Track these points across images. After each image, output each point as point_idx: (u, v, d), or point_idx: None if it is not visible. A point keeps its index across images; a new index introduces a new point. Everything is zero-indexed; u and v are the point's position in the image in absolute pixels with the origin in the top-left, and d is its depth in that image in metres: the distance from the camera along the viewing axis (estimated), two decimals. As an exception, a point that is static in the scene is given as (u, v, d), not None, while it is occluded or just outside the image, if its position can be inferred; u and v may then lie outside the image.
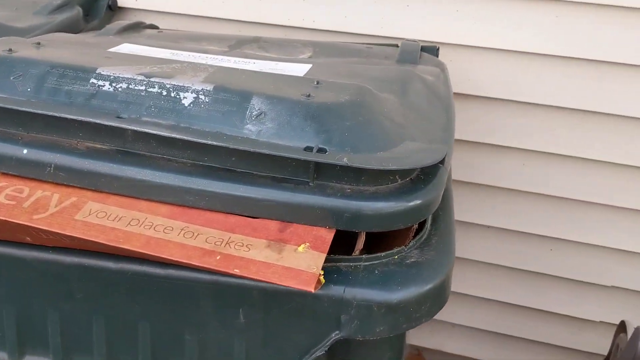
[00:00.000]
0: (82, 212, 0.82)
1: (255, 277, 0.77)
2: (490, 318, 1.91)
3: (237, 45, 1.34)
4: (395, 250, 0.86)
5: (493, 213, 1.76)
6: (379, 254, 0.85)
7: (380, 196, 0.82)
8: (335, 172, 0.82)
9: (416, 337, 2.01)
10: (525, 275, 1.82)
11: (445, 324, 1.96)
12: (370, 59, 1.23)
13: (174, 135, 0.79)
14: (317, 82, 0.93)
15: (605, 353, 1.57)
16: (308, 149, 0.81)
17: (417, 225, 0.91)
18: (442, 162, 0.89)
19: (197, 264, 0.77)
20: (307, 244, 0.81)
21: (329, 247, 0.81)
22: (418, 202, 0.83)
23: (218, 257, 0.78)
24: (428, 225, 0.92)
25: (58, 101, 0.87)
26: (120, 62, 0.95)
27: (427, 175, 0.87)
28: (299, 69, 1.08)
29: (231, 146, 0.79)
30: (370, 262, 0.85)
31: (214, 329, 0.87)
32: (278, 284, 0.76)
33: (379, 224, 0.82)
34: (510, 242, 1.79)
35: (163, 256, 0.78)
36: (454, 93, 1.19)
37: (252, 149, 0.79)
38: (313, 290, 0.76)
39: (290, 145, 0.82)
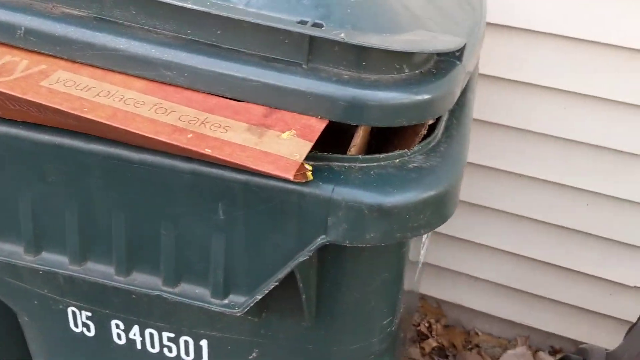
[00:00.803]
0: (49, 79, 0.74)
1: (227, 159, 0.67)
2: (515, 274, 1.78)
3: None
4: (396, 152, 0.76)
5: (523, 160, 1.61)
6: (377, 155, 0.75)
7: (382, 85, 0.71)
8: (333, 54, 0.72)
9: (435, 288, 1.90)
10: (557, 231, 1.68)
11: (467, 277, 1.84)
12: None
13: (151, -4, 0.69)
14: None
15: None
16: (302, 22, 0.71)
17: (425, 131, 0.80)
18: (459, 57, 0.77)
19: (164, 139, 0.68)
20: (293, 131, 0.71)
21: (317, 136, 0.71)
22: (426, 96, 0.72)
23: (190, 136, 0.69)
24: (439, 132, 0.81)
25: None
26: None
27: (440, 69, 0.76)
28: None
29: (212, 11, 0.69)
30: (367, 164, 0.74)
31: (191, 224, 0.78)
32: (252, 169, 0.67)
33: (379, 118, 0.72)
34: (541, 194, 1.64)
35: (128, 129, 0.69)
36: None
37: (235, 16, 0.68)
38: (292, 178, 0.66)
39: (282, 18, 0.71)
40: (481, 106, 1.47)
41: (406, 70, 0.73)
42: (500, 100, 1.56)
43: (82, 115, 0.70)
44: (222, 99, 0.74)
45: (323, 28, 0.70)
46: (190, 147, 0.68)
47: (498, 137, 1.60)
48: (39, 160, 0.79)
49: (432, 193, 0.73)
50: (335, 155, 0.74)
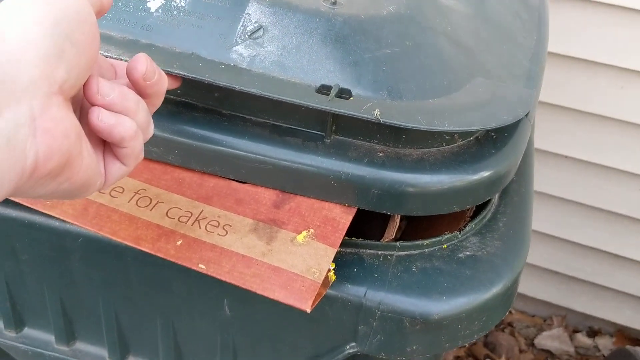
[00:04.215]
0: None
1: (227, 280, 0.50)
2: (554, 257, 1.61)
3: None
4: (444, 236, 0.57)
5: (573, 142, 1.41)
6: (420, 242, 0.57)
7: (428, 165, 0.52)
8: (364, 125, 0.53)
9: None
10: (604, 215, 1.49)
11: (503, 259, 1.67)
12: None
13: (122, 58, 0.50)
14: (352, -19, 0.61)
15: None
16: (324, 88, 0.51)
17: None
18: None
19: (147, 249, 0.52)
20: (311, 230, 0.53)
21: (342, 238, 0.53)
22: (486, 173, 0.53)
23: (179, 243, 0.52)
24: (495, 198, 0.62)
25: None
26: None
27: (500, 132, 0.56)
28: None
29: (206, 80, 0.50)
30: (407, 252, 0.56)
31: (192, 318, 0.62)
32: (259, 294, 0.50)
33: (424, 207, 0.53)
34: (589, 177, 1.45)
35: (102, 233, 0.53)
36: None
37: (235, 87, 0.49)
38: (309, 310, 0.49)
39: (298, 81, 0.52)
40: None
41: (458, 140, 0.54)
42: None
43: (44, 211, 0.54)
44: (222, 179, 0.56)
45: (351, 99, 0.50)
46: (179, 262, 0.51)
47: (545, 117, 1.39)
48: (10, 237, 0.63)
49: (491, 294, 0.55)
50: (366, 242, 0.57)
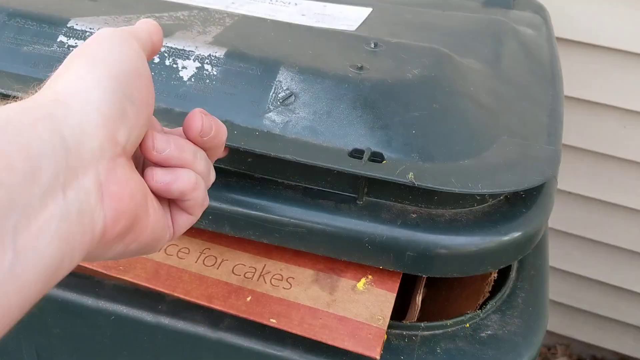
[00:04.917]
0: None
1: (298, 333, 0.51)
2: (558, 289, 1.62)
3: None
4: (466, 315, 0.58)
5: (576, 179, 1.42)
6: (443, 322, 0.57)
7: (462, 225, 0.53)
8: (395, 189, 0.53)
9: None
10: (606, 249, 1.50)
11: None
12: (448, 0, 0.89)
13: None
14: (375, 44, 0.62)
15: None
16: (356, 152, 0.52)
17: (496, 273, 0.62)
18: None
19: (219, 307, 0.53)
20: (369, 277, 0.55)
21: (399, 282, 0.55)
22: (518, 234, 0.54)
23: (249, 299, 0.53)
24: (513, 273, 0.63)
25: (11, 67, 0.59)
26: (106, 7, 0.66)
27: (529, 191, 0.57)
28: (354, 16, 0.76)
29: (242, 148, 0.50)
30: (431, 332, 0.56)
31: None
32: (330, 344, 0.50)
33: (459, 268, 0.53)
34: (593, 213, 1.46)
35: (175, 294, 0.53)
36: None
37: (270, 153, 0.50)
38: (378, 357, 0.50)
39: (330, 146, 0.53)
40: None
41: (489, 200, 0.55)
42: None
43: (119, 276, 0.55)
44: None
45: (384, 162, 0.51)
46: (251, 317, 0.52)
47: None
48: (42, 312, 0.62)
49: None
50: (392, 322, 0.55)
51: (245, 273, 0.56)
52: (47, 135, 0.29)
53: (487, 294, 0.60)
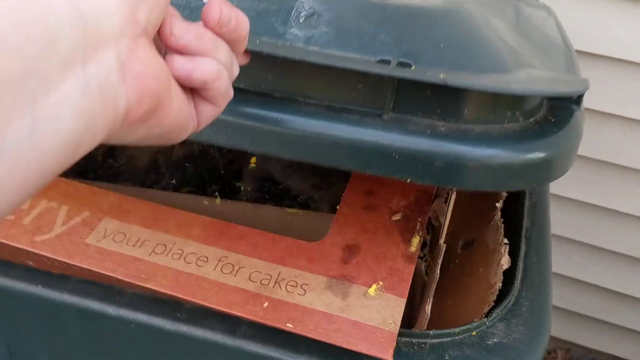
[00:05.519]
0: (95, 233, 0.60)
1: (313, 337, 0.51)
2: (558, 293, 1.59)
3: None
4: (473, 324, 0.57)
5: (575, 185, 1.40)
6: (451, 330, 0.56)
7: (493, 139, 0.50)
8: (423, 101, 0.51)
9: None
10: (607, 255, 1.48)
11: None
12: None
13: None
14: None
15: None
16: (383, 62, 0.50)
17: (501, 282, 0.61)
18: (577, 101, 0.57)
19: (238, 313, 0.54)
20: (380, 283, 0.57)
21: (408, 287, 0.55)
22: (550, 153, 0.51)
23: (266, 305, 0.55)
24: (517, 281, 0.62)
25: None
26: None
27: (558, 118, 0.55)
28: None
29: (265, 51, 0.48)
30: (440, 340, 0.56)
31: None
32: (345, 348, 0.51)
33: (488, 182, 0.51)
34: (593, 219, 1.44)
35: (195, 300, 0.55)
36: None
37: (295, 56, 0.47)
38: (391, 359, 0.50)
39: (355, 57, 0.50)
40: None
41: (520, 119, 0.52)
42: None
43: (141, 284, 0.55)
44: (290, 239, 0.61)
45: (412, 68, 0.49)
46: (268, 323, 0.52)
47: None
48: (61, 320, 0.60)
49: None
50: (401, 329, 0.54)
51: (261, 280, 0.57)
52: (65, 9, 0.28)
53: (492, 303, 0.60)
